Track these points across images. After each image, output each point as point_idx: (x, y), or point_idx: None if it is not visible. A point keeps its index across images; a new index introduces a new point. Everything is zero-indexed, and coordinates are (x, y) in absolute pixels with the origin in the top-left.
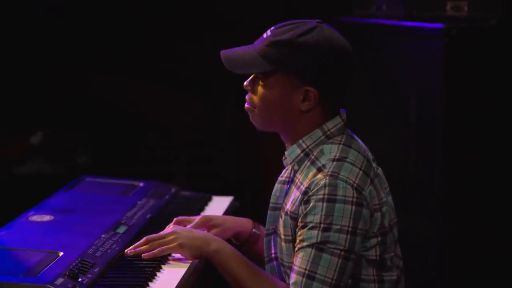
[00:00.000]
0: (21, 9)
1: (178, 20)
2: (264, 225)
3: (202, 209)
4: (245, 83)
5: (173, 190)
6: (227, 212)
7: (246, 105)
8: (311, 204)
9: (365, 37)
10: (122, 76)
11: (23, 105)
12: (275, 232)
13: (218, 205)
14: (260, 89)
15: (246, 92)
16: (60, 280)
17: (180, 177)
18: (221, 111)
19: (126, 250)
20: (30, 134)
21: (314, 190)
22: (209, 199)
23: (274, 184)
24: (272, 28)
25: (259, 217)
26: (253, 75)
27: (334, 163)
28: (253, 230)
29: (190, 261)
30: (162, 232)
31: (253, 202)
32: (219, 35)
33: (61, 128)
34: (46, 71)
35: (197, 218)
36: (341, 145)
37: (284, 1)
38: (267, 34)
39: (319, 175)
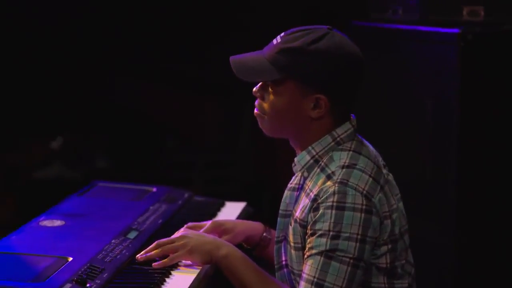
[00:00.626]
0: (47, 13)
1: (197, 24)
2: None
3: (214, 214)
4: (254, 89)
5: (186, 195)
6: (240, 218)
7: (255, 111)
8: (320, 212)
9: (381, 42)
10: (140, 80)
11: (43, 110)
12: (285, 239)
13: (230, 211)
14: (270, 96)
15: None
16: (68, 286)
17: (197, 182)
18: (239, 116)
19: (137, 256)
20: (50, 139)
21: (323, 198)
22: (222, 205)
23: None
24: (282, 34)
25: (276, 222)
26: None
27: (344, 170)
28: (264, 234)
29: (200, 267)
30: (172, 236)
31: (271, 207)
32: (237, 39)
33: (80, 133)
34: (66, 77)
35: (207, 224)
36: (350, 152)
37: (302, 5)
38: (277, 40)
39: (329, 182)
